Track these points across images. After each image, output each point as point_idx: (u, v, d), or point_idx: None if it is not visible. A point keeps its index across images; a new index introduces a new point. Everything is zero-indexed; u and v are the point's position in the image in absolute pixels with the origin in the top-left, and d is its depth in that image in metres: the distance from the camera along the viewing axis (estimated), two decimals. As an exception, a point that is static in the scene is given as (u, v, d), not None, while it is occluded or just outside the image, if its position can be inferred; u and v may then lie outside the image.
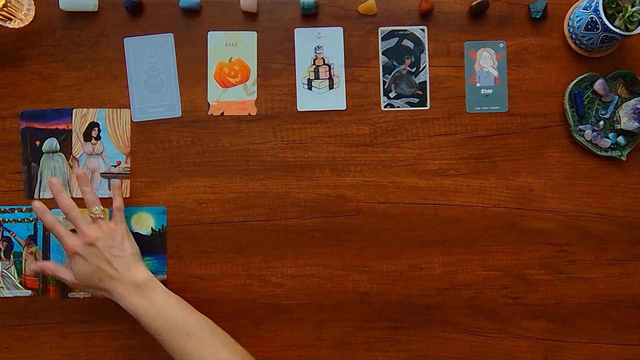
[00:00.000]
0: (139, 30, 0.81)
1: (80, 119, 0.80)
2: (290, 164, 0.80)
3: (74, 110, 0.80)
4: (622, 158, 0.80)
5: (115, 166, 0.80)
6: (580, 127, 0.80)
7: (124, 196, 0.79)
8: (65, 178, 0.79)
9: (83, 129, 0.80)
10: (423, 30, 0.82)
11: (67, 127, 0.80)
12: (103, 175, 0.80)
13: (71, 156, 0.80)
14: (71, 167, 0.80)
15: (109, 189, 0.79)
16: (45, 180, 0.79)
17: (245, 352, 0.70)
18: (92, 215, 0.72)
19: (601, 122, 0.80)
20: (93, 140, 0.80)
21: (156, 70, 0.80)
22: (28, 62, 0.80)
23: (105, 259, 0.70)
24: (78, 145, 0.80)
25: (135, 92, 0.80)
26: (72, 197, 0.79)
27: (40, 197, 0.79)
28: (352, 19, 0.82)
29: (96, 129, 0.80)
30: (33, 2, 0.80)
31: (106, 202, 0.79)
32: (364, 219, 0.80)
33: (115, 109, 0.80)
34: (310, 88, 0.81)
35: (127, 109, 0.80)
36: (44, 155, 0.79)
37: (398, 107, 0.81)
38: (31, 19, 0.80)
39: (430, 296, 0.80)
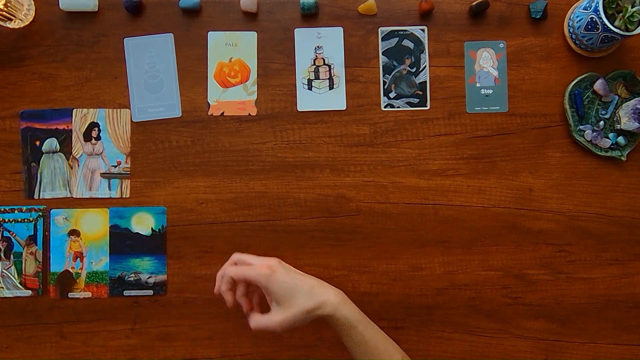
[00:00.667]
0: (139, 30, 0.81)
1: (80, 119, 0.80)
2: (290, 164, 0.80)
3: (74, 110, 0.80)
4: (622, 158, 0.80)
5: (115, 166, 0.80)
6: (580, 127, 0.80)
7: (124, 196, 0.79)
8: (65, 178, 0.79)
9: (83, 129, 0.80)
10: (423, 30, 0.82)
11: (67, 127, 0.80)
12: (103, 175, 0.80)
13: (71, 156, 0.80)
14: (71, 167, 0.80)
15: (109, 188, 0.79)
16: (45, 180, 0.79)
17: None
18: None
19: (601, 122, 0.80)
20: (93, 141, 0.80)
21: (156, 70, 0.80)
22: (28, 62, 0.80)
23: (301, 273, 0.67)
24: (78, 145, 0.80)
25: (135, 92, 0.80)
26: (73, 198, 0.79)
27: (40, 197, 0.79)
28: (352, 19, 0.82)
29: (96, 129, 0.80)
30: (33, 2, 0.80)
31: (105, 202, 0.79)
32: (364, 219, 0.80)
33: (115, 109, 0.80)
34: (310, 88, 0.81)
35: (127, 109, 0.80)
36: (44, 155, 0.79)
37: (398, 107, 0.81)
38: (31, 19, 0.80)
39: (430, 296, 0.80)
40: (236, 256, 0.70)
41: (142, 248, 0.79)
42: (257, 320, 0.66)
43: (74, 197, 0.79)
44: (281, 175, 0.80)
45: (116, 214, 0.79)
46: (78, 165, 0.80)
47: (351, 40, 0.81)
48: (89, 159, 0.80)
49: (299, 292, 0.64)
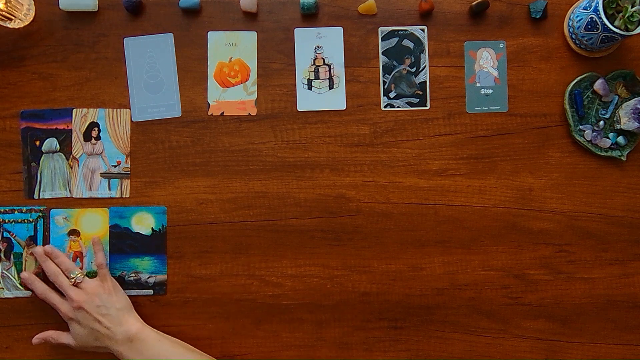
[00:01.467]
0: (139, 30, 0.81)
1: (80, 118, 0.80)
2: (290, 164, 0.80)
3: (74, 110, 0.80)
4: (622, 158, 0.80)
5: (115, 166, 0.80)
6: (580, 127, 0.80)
7: (124, 196, 0.79)
8: (65, 178, 0.79)
9: (83, 129, 0.80)
10: (423, 30, 0.82)
11: (67, 127, 0.80)
12: (103, 175, 0.80)
13: (71, 156, 0.80)
14: (71, 167, 0.80)
15: (109, 188, 0.79)
16: (45, 180, 0.79)
17: None
18: (72, 279, 0.74)
19: (601, 122, 0.80)
20: (93, 140, 0.80)
21: (156, 70, 0.80)
22: (28, 62, 0.80)
23: (95, 319, 0.72)
24: (78, 145, 0.80)
25: (135, 92, 0.80)
26: (74, 197, 0.79)
27: (40, 197, 0.79)
28: (352, 19, 0.82)
29: (96, 129, 0.80)
30: (33, 2, 0.80)
31: (105, 202, 0.79)
32: (364, 219, 0.80)
33: (115, 109, 0.80)
34: (310, 88, 0.81)
35: (127, 109, 0.80)
36: (44, 155, 0.79)
37: (398, 107, 0.81)
38: (31, 19, 0.80)
39: (430, 296, 0.80)
40: (53, 276, 0.75)
41: (142, 248, 0.79)
42: (55, 335, 0.75)
43: (74, 197, 0.79)
44: (281, 175, 0.80)
45: (116, 213, 0.79)
46: (78, 165, 0.80)
47: (351, 40, 0.81)
48: (89, 159, 0.80)
49: (91, 339, 0.73)
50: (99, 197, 0.79)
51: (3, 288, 0.78)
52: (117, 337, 0.72)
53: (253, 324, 0.79)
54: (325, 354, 0.79)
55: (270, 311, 0.79)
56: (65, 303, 0.74)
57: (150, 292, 0.79)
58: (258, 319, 0.80)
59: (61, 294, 0.75)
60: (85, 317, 0.72)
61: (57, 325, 0.78)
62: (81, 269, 0.78)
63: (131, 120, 0.80)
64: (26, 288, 0.78)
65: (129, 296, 0.78)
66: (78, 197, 0.79)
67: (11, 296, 0.79)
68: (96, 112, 0.80)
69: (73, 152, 0.79)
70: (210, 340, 0.79)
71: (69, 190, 0.79)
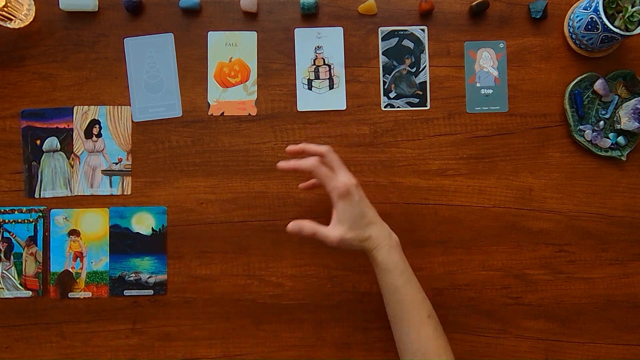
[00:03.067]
0: (139, 30, 0.81)
1: (82, 116, 0.80)
2: (290, 164, 0.80)
3: (75, 107, 0.80)
4: (622, 158, 0.80)
5: (117, 163, 0.80)
6: (580, 127, 0.80)
7: (126, 193, 0.79)
8: (65, 177, 0.79)
9: (84, 127, 0.80)
10: (423, 30, 0.82)
11: (68, 126, 0.80)
12: (104, 172, 0.80)
13: (72, 154, 0.80)
14: (72, 166, 0.80)
15: (110, 185, 0.79)
16: (46, 180, 0.79)
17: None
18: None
19: (601, 122, 0.80)
20: (94, 138, 0.80)
21: (156, 70, 0.80)
22: (28, 62, 0.80)
23: (369, 204, 0.68)
24: (79, 143, 0.80)
25: (136, 92, 0.80)
26: (75, 195, 0.79)
27: (41, 197, 0.79)
28: (352, 19, 0.82)
29: (97, 126, 0.80)
30: (33, 2, 0.80)
31: (105, 200, 0.79)
32: (364, 219, 0.80)
33: (116, 106, 0.80)
34: (310, 88, 0.81)
35: (128, 107, 0.80)
36: (44, 154, 0.79)
37: (398, 107, 0.81)
38: (31, 19, 0.80)
39: (430, 296, 0.80)
40: (329, 154, 0.69)
41: (143, 248, 0.79)
42: (317, 228, 0.68)
43: (75, 194, 0.79)
44: (281, 175, 0.80)
45: (116, 213, 0.79)
46: (79, 162, 0.80)
47: (351, 40, 0.81)
48: (90, 156, 0.80)
49: (361, 221, 0.67)
50: (100, 194, 0.79)
51: (3, 288, 0.78)
52: (385, 228, 0.68)
53: (253, 324, 0.79)
54: (325, 354, 0.79)
55: (270, 311, 0.79)
56: (343, 177, 0.67)
57: (151, 292, 0.79)
58: (258, 319, 0.80)
59: None
60: (363, 197, 0.68)
61: (58, 324, 0.78)
62: (81, 269, 0.78)
63: (132, 120, 0.80)
64: (26, 288, 0.78)
65: (129, 296, 0.78)
66: (79, 194, 0.79)
67: (11, 296, 0.79)
68: (97, 109, 0.80)
69: (74, 150, 0.80)
70: (210, 340, 0.79)
71: (70, 188, 0.79)
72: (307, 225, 0.68)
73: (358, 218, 0.67)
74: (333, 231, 0.67)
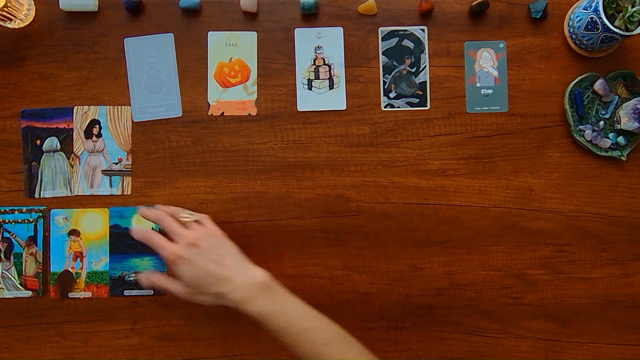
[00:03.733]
0: (139, 30, 0.81)
1: (82, 116, 0.80)
2: (290, 164, 0.80)
3: (75, 107, 0.80)
4: (622, 158, 0.80)
5: (117, 163, 0.80)
6: (580, 127, 0.80)
7: (126, 193, 0.79)
8: (65, 177, 0.79)
9: (84, 127, 0.80)
10: (423, 30, 0.82)
11: (68, 126, 0.80)
12: (104, 172, 0.80)
13: (72, 154, 0.80)
14: (72, 167, 0.80)
15: (110, 185, 0.79)
16: (46, 180, 0.79)
17: (374, 358, 0.65)
18: (183, 220, 0.68)
19: (601, 122, 0.80)
20: (94, 138, 0.80)
21: (156, 70, 0.80)
22: (28, 62, 0.80)
23: (213, 259, 0.64)
24: (79, 143, 0.80)
25: (136, 92, 0.80)
26: (75, 195, 0.79)
27: (41, 197, 0.79)
28: (352, 19, 0.82)
29: (97, 126, 0.80)
30: (33, 2, 0.80)
31: (105, 200, 0.79)
32: (364, 219, 0.80)
33: (116, 106, 0.80)
34: (310, 88, 0.81)
35: (128, 107, 0.80)
36: (44, 154, 0.79)
37: (398, 107, 0.81)
38: (31, 19, 0.80)
39: (430, 296, 0.80)
40: (161, 217, 0.67)
41: (143, 248, 0.78)
42: (163, 280, 0.67)
43: (76, 194, 0.79)
44: (281, 175, 0.80)
45: (116, 213, 0.79)
46: (79, 162, 0.80)
47: (351, 40, 0.81)
48: (90, 156, 0.80)
49: (205, 281, 0.64)
50: (100, 194, 0.79)
51: (3, 288, 0.78)
52: (239, 280, 0.63)
53: (253, 324, 0.79)
54: (325, 354, 0.79)
55: (270, 311, 0.79)
56: (171, 243, 0.65)
57: (151, 292, 0.79)
58: (258, 319, 0.79)
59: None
60: (199, 255, 0.64)
61: (58, 324, 0.78)
62: (81, 269, 0.78)
63: (132, 120, 0.80)
64: (26, 288, 0.78)
65: (129, 296, 0.78)
66: (79, 194, 0.79)
67: (11, 296, 0.79)
68: (97, 109, 0.80)
69: (74, 150, 0.80)
70: (210, 340, 0.79)
71: (70, 188, 0.79)
72: (157, 278, 0.68)
73: (204, 278, 0.64)
74: (179, 288, 0.65)
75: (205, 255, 0.64)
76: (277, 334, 0.63)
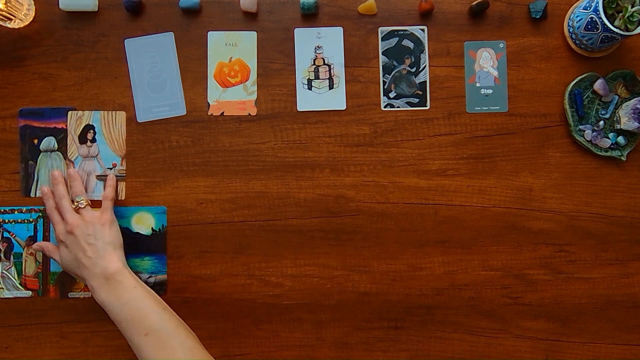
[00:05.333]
0: (139, 30, 0.81)
1: (76, 121, 0.80)
2: (290, 164, 0.80)
3: (69, 112, 0.79)
4: (622, 158, 0.80)
5: (111, 169, 0.79)
6: (580, 127, 0.80)
7: (119, 198, 0.79)
8: (63, 177, 0.79)
9: (78, 132, 0.80)
10: (423, 30, 0.82)
11: (66, 126, 0.80)
12: (99, 177, 0.80)
13: (67, 159, 0.79)
14: (68, 167, 0.79)
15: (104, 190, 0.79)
16: (42, 179, 0.79)
17: (205, 355, 0.68)
18: (75, 204, 0.75)
19: (601, 122, 0.80)
20: (88, 143, 0.80)
21: (158, 69, 0.80)
22: (28, 62, 0.80)
23: (81, 247, 0.71)
24: (73, 148, 0.80)
25: (139, 93, 0.80)
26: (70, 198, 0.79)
27: (37, 196, 0.79)
28: (352, 19, 0.82)
29: (91, 131, 0.80)
30: (33, 2, 0.80)
31: (100, 204, 0.79)
32: (364, 219, 0.80)
33: (110, 112, 0.80)
34: (310, 88, 0.81)
35: (123, 112, 0.80)
36: (41, 153, 0.79)
37: (398, 107, 0.81)
38: (31, 19, 0.80)
39: (430, 296, 0.80)
40: (59, 196, 0.76)
41: (142, 248, 0.79)
42: (50, 250, 0.75)
43: (71, 198, 0.79)
44: (281, 175, 0.80)
45: (116, 213, 0.79)
46: (73, 167, 0.79)
47: (351, 40, 0.81)
48: (85, 162, 0.80)
49: (73, 264, 0.72)
50: (95, 199, 0.79)
51: (3, 288, 0.78)
52: (95, 270, 0.70)
53: (253, 324, 0.79)
54: (325, 354, 0.79)
55: (270, 311, 0.79)
56: (61, 224, 0.74)
57: (150, 292, 0.79)
58: (258, 319, 0.80)
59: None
60: (73, 242, 0.72)
61: (58, 324, 0.78)
62: None
63: (134, 121, 0.80)
64: (26, 288, 0.78)
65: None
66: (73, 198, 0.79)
67: (11, 296, 0.79)
68: (91, 114, 0.80)
69: (69, 155, 0.79)
70: (210, 340, 0.79)
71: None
72: (47, 246, 0.76)
73: (73, 262, 0.72)
74: (60, 262, 0.74)
75: (76, 243, 0.72)
76: (115, 323, 0.69)
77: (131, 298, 0.69)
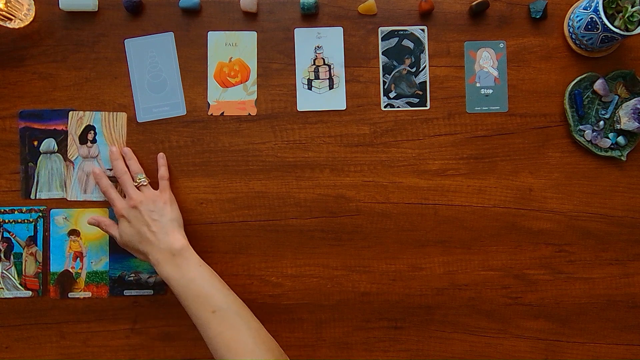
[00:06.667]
0: (139, 30, 0.81)
1: (77, 121, 0.80)
2: (290, 164, 0.80)
3: (70, 112, 0.79)
4: (622, 158, 0.80)
5: (111, 169, 0.79)
6: (580, 127, 0.80)
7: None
8: (62, 179, 0.79)
9: (79, 132, 0.80)
10: (423, 30, 0.82)
11: (66, 127, 0.80)
12: (102, 175, 0.79)
13: (67, 159, 0.79)
14: (67, 169, 0.79)
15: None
16: (42, 181, 0.79)
17: (268, 337, 0.70)
18: (137, 183, 0.76)
19: (601, 122, 0.80)
20: (89, 144, 0.80)
21: (158, 69, 0.80)
22: (28, 62, 0.80)
23: (145, 222, 0.72)
24: (74, 148, 0.79)
25: (139, 93, 0.80)
26: (68, 200, 0.79)
27: (37, 197, 0.79)
28: (352, 19, 0.82)
29: (92, 132, 0.80)
30: (33, 2, 0.80)
31: (99, 205, 0.79)
32: (364, 219, 0.80)
33: (111, 113, 0.80)
34: (310, 88, 0.81)
35: (124, 113, 0.80)
36: (41, 155, 0.79)
37: (398, 107, 0.81)
38: (31, 19, 0.80)
39: (430, 296, 0.80)
40: (120, 172, 0.77)
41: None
42: (108, 224, 0.76)
43: (69, 199, 0.79)
44: (281, 175, 0.80)
45: (116, 214, 0.79)
46: (73, 168, 0.79)
47: (351, 40, 0.81)
48: (85, 162, 0.80)
49: (136, 239, 0.73)
50: (94, 200, 0.79)
51: (3, 288, 0.78)
52: (160, 245, 0.71)
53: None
54: (325, 354, 0.79)
55: (270, 311, 0.79)
56: (122, 200, 0.75)
57: (151, 292, 0.79)
58: (258, 318, 0.79)
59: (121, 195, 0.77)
60: (137, 216, 0.73)
61: (58, 324, 0.78)
62: (81, 269, 0.78)
63: (135, 121, 0.80)
64: (26, 288, 0.78)
65: (129, 296, 0.78)
66: (73, 200, 0.79)
67: (11, 296, 0.79)
68: (92, 115, 0.80)
69: (68, 155, 0.79)
70: (210, 340, 0.79)
71: (65, 191, 0.79)
72: (104, 221, 0.76)
73: (135, 236, 0.73)
74: (118, 237, 0.75)
75: (140, 218, 0.73)
76: (178, 297, 0.70)
77: (198, 275, 0.70)
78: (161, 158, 0.79)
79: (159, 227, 0.72)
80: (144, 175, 0.76)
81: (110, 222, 0.76)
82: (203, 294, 0.69)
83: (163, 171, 0.78)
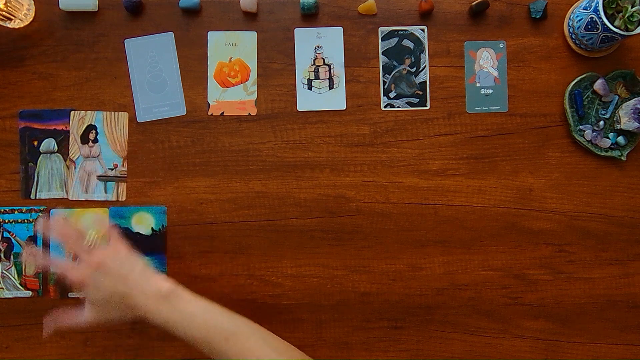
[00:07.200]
0: (139, 30, 0.81)
1: (78, 121, 0.80)
2: (290, 164, 0.80)
3: (72, 112, 0.80)
4: (622, 158, 0.80)
5: (112, 169, 0.79)
6: (580, 127, 0.80)
7: (120, 199, 0.79)
8: (62, 179, 0.79)
9: (80, 132, 0.80)
10: (423, 30, 0.82)
11: (66, 128, 0.80)
12: (100, 178, 0.79)
13: (68, 158, 0.79)
14: (68, 169, 0.79)
15: (105, 191, 0.79)
16: (42, 181, 0.79)
17: (287, 347, 0.66)
18: (90, 244, 0.71)
19: (601, 122, 0.80)
20: (90, 143, 0.80)
21: (158, 69, 0.80)
22: (28, 62, 0.80)
23: (120, 275, 0.65)
24: (75, 148, 0.80)
25: (139, 93, 0.80)
26: (69, 200, 0.79)
27: (37, 198, 0.79)
28: (352, 19, 0.82)
29: (93, 131, 0.80)
30: (33, 2, 0.80)
31: (101, 205, 0.79)
32: (364, 219, 0.80)
33: (113, 112, 0.80)
34: (310, 88, 0.81)
35: (125, 113, 0.80)
36: (41, 155, 0.79)
37: (398, 107, 0.81)
38: (31, 19, 0.80)
39: (430, 296, 0.80)
40: (66, 237, 0.70)
41: (142, 248, 0.78)
42: (69, 319, 0.68)
43: (70, 199, 0.79)
44: (281, 175, 0.80)
45: (116, 213, 0.79)
46: (75, 167, 0.79)
47: (351, 40, 0.81)
48: (86, 162, 0.80)
49: (111, 303, 0.65)
50: (95, 199, 0.79)
51: (3, 288, 0.78)
52: (146, 293, 0.64)
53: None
54: (325, 354, 0.79)
55: (270, 311, 0.79)
56: (79, 268, 0.66)
57: (150, 292, 0.79)
58: (258, 319, 0.79)
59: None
60: (107, 275, 0.65)
61: (57, 325, 0.78)
62: None
63: (134, 121, 0.80)
64: (26, 288, 0.78)
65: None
66: (74, 199, 0.79)
67: (11, 296, 0.78)
68: (94, 114, 0.80)
69: (70, 154, 0.79)
70: (210, 340, 0.79)
71: (65, 191, 0.79)
72: (63, 320, 0.68)
73: (108, 299, 0.65)
74: (86, 315, 0.66)
75: (111, 275, 0.65)
76: (187, 340, 0.64)
77: (198, 309, 0.65)
78: (88, 232, 0.75)
79: (138, 276, 0.65)
80: (91, 232, 0.72)
81: (64, 314, 0.68)
82: (211, 325, 0.64)
83: (111, 226, 0.74)
